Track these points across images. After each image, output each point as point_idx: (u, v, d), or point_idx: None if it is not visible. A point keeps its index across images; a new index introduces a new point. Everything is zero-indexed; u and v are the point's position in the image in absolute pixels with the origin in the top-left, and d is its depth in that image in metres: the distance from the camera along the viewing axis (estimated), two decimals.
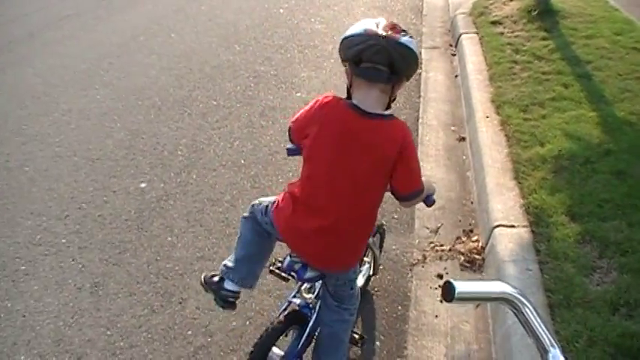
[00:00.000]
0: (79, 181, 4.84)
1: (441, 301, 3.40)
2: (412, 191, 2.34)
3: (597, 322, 2.83)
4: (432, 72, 6.52)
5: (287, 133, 2.46)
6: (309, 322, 2.70)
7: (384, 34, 2.12)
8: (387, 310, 3.41)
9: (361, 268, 3.38)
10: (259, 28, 8.14)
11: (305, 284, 2.82)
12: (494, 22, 7.03)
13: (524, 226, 3.60)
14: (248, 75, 6.62)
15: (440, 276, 3.61)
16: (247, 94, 6.13)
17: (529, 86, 5.33)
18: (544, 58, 5.88)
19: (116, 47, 7.75)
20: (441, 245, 3.87)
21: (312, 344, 2.84)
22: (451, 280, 1.24)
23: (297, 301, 2.75)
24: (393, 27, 2.15)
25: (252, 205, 2.66)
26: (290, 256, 2.51)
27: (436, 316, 3.34)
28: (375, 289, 3.54)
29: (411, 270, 3.70)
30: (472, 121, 5.10)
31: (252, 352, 2.56)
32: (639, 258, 3.21)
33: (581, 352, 2.69)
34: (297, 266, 2.50)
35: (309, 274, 2.51)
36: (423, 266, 3.72)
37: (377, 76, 2.17)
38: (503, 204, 3.83)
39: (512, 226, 3.62)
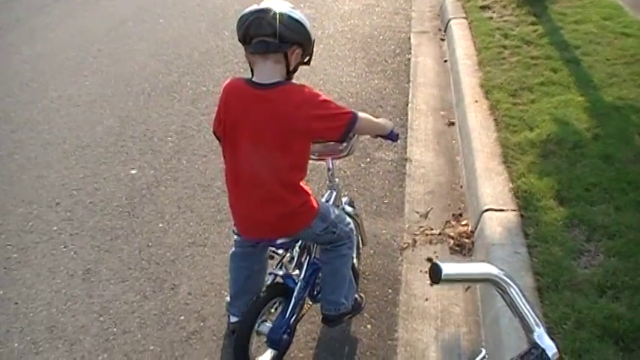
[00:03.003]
0: (69, 169, 4.83)
1: (431, 284, 3.44)
2: (343, 131, 2.42)
3: (585, 305, 2.87)
4: (421, 57, 6.53)
5: (215, 137, 2.57)
6: (293, 293, 2.76)
7: (260, 7, 2.30)
8: (377, 293, 3.44)
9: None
10: None
11: (287, 256, 2.89)
12: (483, 7, 7.05)
13: (513, 210, 3.64)
14: (237, 61, 6.60)
15: (430, 260, 3.64)
16: None
17: (518, 71, 5.35)
18: (533, 42, 5.91)
19: (104, 33, 7.71)
20: (431, 229, 3.90)
21: (304, 316, 2.98)
22: (438, 262, 1.26)
23: (280, 272, 2.83)
24: (271, 3, 2.33)
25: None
26: None
27: (426, 300, 3.37)
28: (366, 273, 3.57)
29: (401, 254, 3.73)
30: (461, 106, 5.13)
31: (238, 324, 2.64)
32: (626, 241, 3.26)
33: (569, 333, 2.72)
34: None
35: (280, 240, 2.66)
36: (413, 250, 3.75)
37: (266, 47, 2.31)
38: (493, 188, 3.86)
39: (502, 210, 3.65)
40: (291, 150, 2.41)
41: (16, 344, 3.25)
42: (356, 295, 3.05)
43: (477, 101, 4.99)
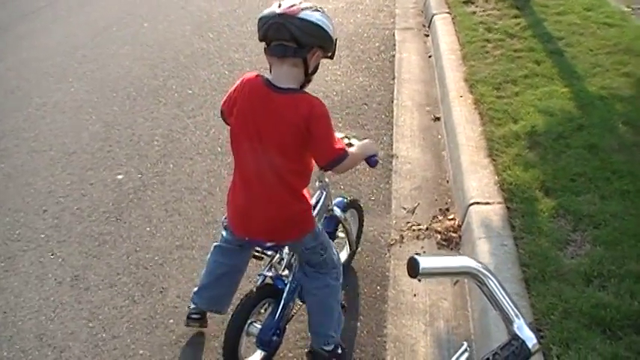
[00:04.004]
0: (55, 175, 4.81)
1: (419, 280, 3.44)
2: (328, 162, 2.47)
3: (572, 294, 2.88)
4: (406, 53, 6.54)
5: (221, 116, 2.60)
6: (283, 294, 2.76)
7: (280, 12, 2.26)
8: (366, 290, 3.44)
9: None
10: (233, 15, 8.10)
11: (276, 257, 2.90)
12: (466, 2, 7.06)
13: (499, 203, 3.65)
14: (222, 63, 6.60)
15: (418, 255, 3.63)
16: (222, 82, 6.11)
17: (502, 64, 5.37)
18: (516, 35, 5.93)
19: (89, 39, 7.68)
20: (418, 224, 3.91)
21: (293, 316, 2.98)
22: (415, 256, 1.26)
23: (270, 273, 2.83)
24: (292, 5, 2.28)
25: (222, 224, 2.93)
26: None
27: (415, 295, 3.38)
28: (354, 271, 3.57)
29: (388, 250, 3.74)
30: (446, 101, 5.14)
31: (227, 326, 2.65)
32: (612, 230, 3.28)
33: (557, 323, 2.73)
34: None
35: (269, 243, 2.70)
36: (400, 246, 3.76)
37: (283, 51, 2.32)
38: (478, 181, 3.87)
39: (488, 203, 3.66)
40: (292, 155, 2.44)
41: (5, 353, 3.23)
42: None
43: (461, 96, 5.01)
